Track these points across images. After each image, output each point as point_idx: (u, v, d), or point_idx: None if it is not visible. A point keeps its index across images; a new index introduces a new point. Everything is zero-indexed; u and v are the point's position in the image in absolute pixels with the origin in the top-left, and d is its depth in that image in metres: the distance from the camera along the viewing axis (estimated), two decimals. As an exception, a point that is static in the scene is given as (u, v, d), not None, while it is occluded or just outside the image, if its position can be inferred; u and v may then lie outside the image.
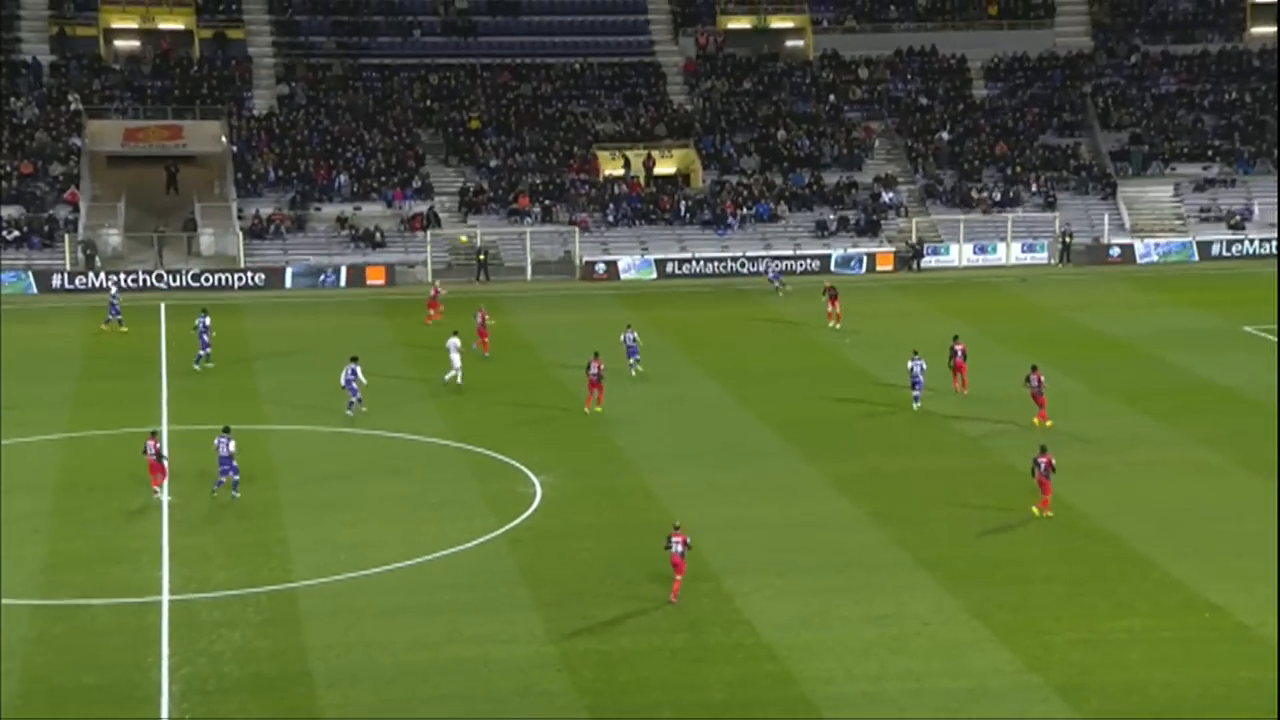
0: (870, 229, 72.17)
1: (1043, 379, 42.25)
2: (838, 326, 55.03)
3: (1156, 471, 36.75)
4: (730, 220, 71.40)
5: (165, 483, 35.91)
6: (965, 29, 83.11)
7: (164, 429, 41.14)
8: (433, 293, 56.77)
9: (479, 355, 49.73)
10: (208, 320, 49.52)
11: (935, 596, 30.02)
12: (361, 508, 35.38)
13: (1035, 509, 34.61)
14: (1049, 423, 41.91)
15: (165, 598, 29.80)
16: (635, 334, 48.14)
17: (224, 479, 35.92)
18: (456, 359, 46.20)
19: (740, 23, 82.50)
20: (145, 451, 35.88)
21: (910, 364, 44.03)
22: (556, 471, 38.01)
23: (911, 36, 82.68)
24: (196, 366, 48.62)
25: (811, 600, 29.85)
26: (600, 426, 42.41)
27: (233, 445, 35.85)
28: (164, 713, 25.15)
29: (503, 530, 33.79)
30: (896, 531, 33.81)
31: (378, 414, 43.17)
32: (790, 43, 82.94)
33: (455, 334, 47.38)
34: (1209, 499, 35.99)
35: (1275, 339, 52.05)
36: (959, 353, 45.55)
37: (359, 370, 42.99)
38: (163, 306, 58.80)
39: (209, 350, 48.81)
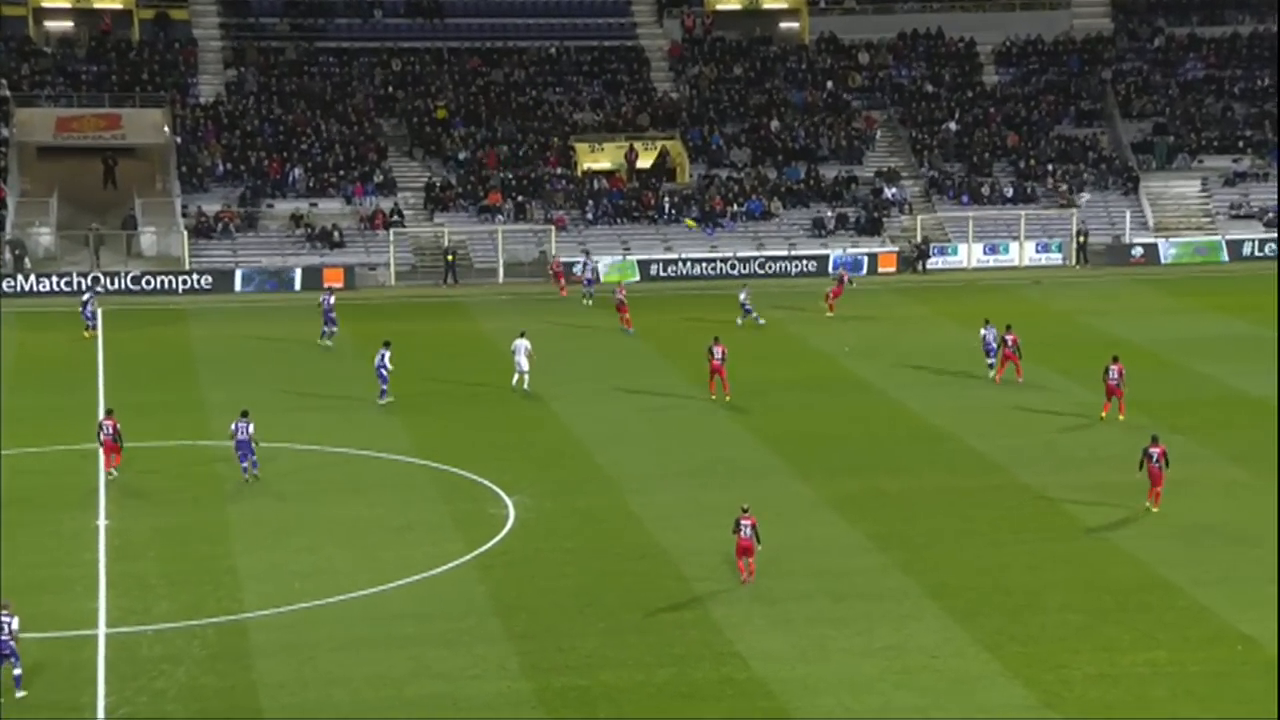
0: (872, 227, 72.40)
1: (1123, 371, 43.52)
2: (830, 314, 57.72)
3: (1182, 490, 36.90)
4: (722, 219, 71.61)
5: (118, 464, 38.00)
6: (975, 10, 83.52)
7: (100, 446, 41.02)
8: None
9: (622, 332, 55.14)
10: (332, 299, 54.72)
11: (942, 627, 30.10)
12: (318, 531, 35.36)
13: (1148, 504, 35.75)
14: (1122, 416, 43.22)
15: (101, 631, 29.75)
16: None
17: (245, 464, 38.22)
18: (525, 362, 46.61)
19: (730, 3, 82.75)
20: (101, 432, 37.55)
21: (982, 332, 48.65)
22: (531, 491, 38.05)
23: (916, 18, 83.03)
24: (325, 341, 53.63)
25: (808, 631, 29.92)
26: (577, 442, 42.44)
27: (252, 428, 38.32)
28: (101, 757, 25.13)
29: (472, 555, 33.79)
30: (900, 556, 33.90)
31: (336, 429, 43.13)
32: (784, 25, 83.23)
33: (523, 334, 47.51)
34: (1239, 520, 36.14)
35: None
36: (1010, 343, 48.04)
37: (388, 356, 45.48)
38: (99, 313, 58.58)
39: (334, 329, 53.88)
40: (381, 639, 29.47)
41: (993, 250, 71.77)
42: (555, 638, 29.52)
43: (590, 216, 71.51)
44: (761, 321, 56.99)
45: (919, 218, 72.72)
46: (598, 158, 74.62)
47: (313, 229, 68.57)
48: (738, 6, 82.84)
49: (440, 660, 28.55)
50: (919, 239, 71.36)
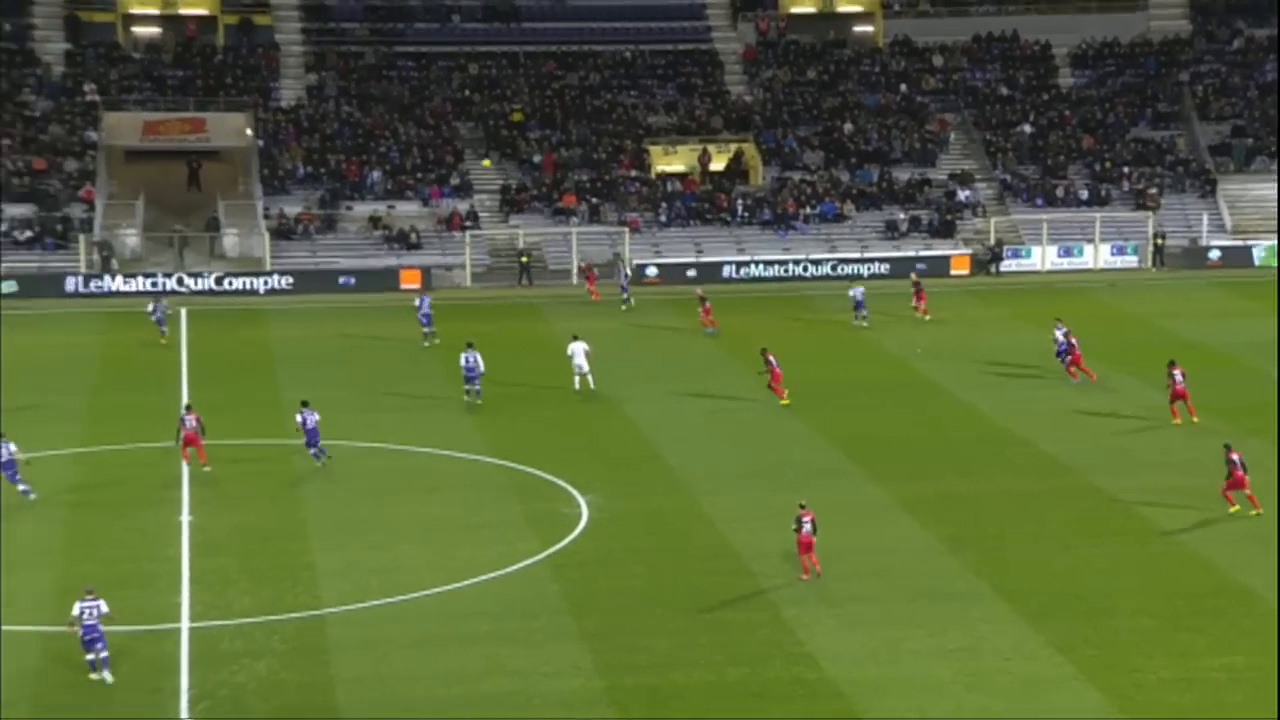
0: (945, 230, 71.92)
1: (1184, 373, 43.30)
2: (927, 318, 57.63)
3: (1257, 496, 36.36)
4: (795, 222, 71.45)
5: (203, 460, 38.97)
6: (1050, 13, 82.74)
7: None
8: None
9: (707, 334, 55.22)
10: (428, 302, 55.47)
11: (1015, 629, 29.85)
12: (394, 529, 35.59)
13: (1249, 508, 35.46)
14: (1195, 419, 42.85)
15: (185, 625, 30.10)
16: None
17: (314, 450, 39.36)
18: (585, 363, 46.95)
19: (805, 6, 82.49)
20: (183, 427, 38.56)
21: (1055, 332, 48.67)
22: (603, 491, 38.10)
23: (991, 21, 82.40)
24: (425, 344, 53.84)
25: (879, 633, 29.77)
26: (650, 444, 42.46)
27: (316, 416, 39.45)
28: (183, 748, 25.46)
29: (545, 554, 33.89)
30: (972, 559, 33.65)
31: (412, 428, 43.39)
32: (858, 28, 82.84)
33: (576, 338, 47.79)
34: (1316, 525, 35.56)
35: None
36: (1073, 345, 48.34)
37: (479, 357, 45.82)
38: (184, 312, 59.34)
39: (432, 328, 54.40)
40: (456, 636, 29.62)
41: (1067, 253, 71.08)
42: (627, 637, 29.55)
43: (663, 219, 71.51)
44: (864, 324, 56.83)
45: (992, 220, 72.13)
46: (671, 160, 74.64)
47: (391, 231, 69.06)
48: (812, 10, 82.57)
49: (514, 658, 28.65)
50: (993, 241, 70.79)
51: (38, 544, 34.46)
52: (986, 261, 69.92)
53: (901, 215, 72.41)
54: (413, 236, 68.74)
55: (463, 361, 46.17)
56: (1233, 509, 35.77)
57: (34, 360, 50.36)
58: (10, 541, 34.58)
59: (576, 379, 47.21)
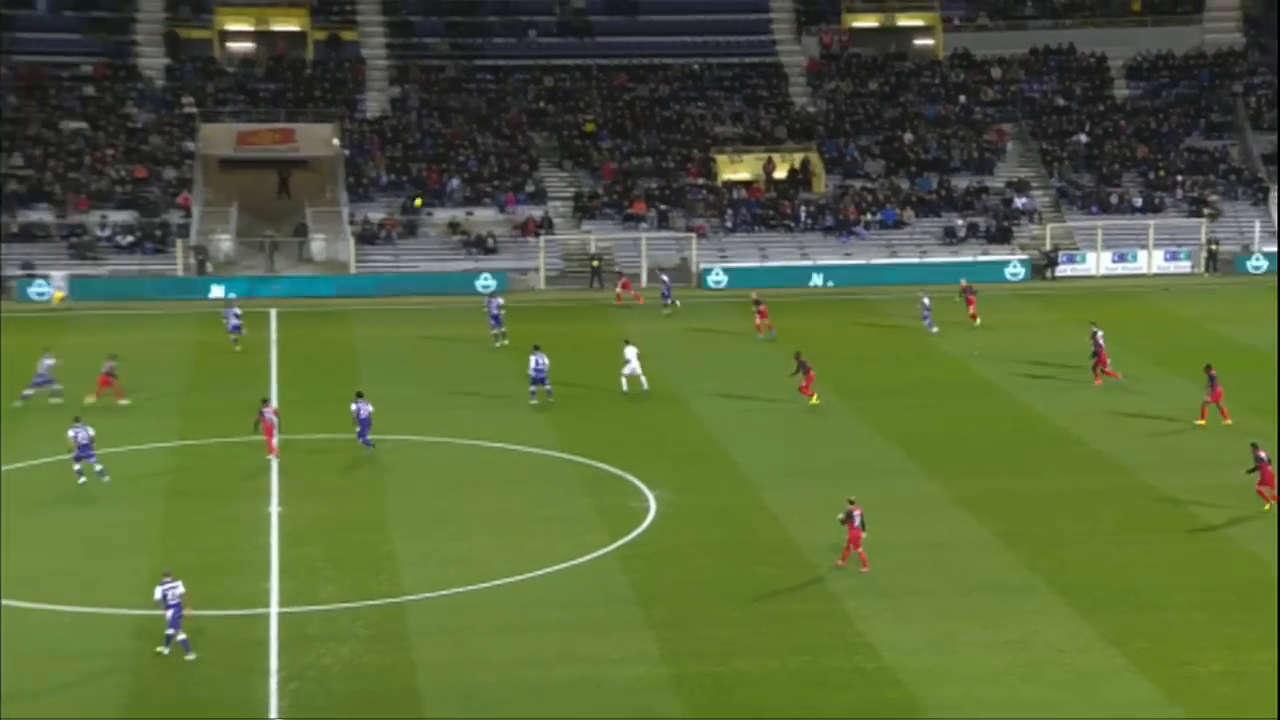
0: (1002, 236, 71.37)
1: (1215, 376, 42.95)
2: (977, 323, 56.61)
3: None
4: (856, 228, 71.16)
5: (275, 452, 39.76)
6: (1106, 26, 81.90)
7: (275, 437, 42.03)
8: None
9: (761, 339, 54.17)
10: (499, 302, 55.36)
11: (1068, 622, 29.62)
12: (470, 521, 35.80)
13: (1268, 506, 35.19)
14: (1228, 421, 42.40)
15: (274, 610, 30.42)
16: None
17: (364, 439, 40.18)
18: (638, 365, 46.89)
19: (867, 21, 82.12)
20: (262, 418, 39.23)
21: (1093, 330, 48.30)
22: (671, 486, 38.14)
23: (1048, 34, 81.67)
24: (497, 344, 53.73)
25: (936, 624, 29.62)
26: (716, 441, 42.45)
27: (370, 407, 40.48)
28: (271, 728, 25.72)
29: (615, 546, 33.98)
30: (1027, 554, 33.41)
31: (487, 424, 43.59)
32: (919, 41, 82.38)
33: (627, 342, 47.83)
34: (1365, 524, 35.02)
35: None
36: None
37: (546, 359, 45.85)
38: (273, 314, 59.93)
39: (503, 329, 54.25)
40: (529, 624, 29.76)
41: (1121, 258, 70.31)
42: (693, 626, 29.58)
43: (729, 224, 71.45)
44: (933, 330, 55.88)
45: (1048, 226, 71.49)
46: (737, 169, 74.54)
47: (469, 236, 69.41)
48: (874, 24, 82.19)
49: (584, 645, 28.75)
50: (1048, 247, 70.17)
51: (136, 531, 34.95)
52: (1042, 266, 69.30)
53: (960, 221, 71.91)
54: (489, 241, 69.05)
55: (532, 364, 46.19)
56: (1267, 506, 35.29)
57: (135, 357, 50.97)
58: (111, 528, 35.12)
59: (624, 380, 46.90)
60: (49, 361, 46.17)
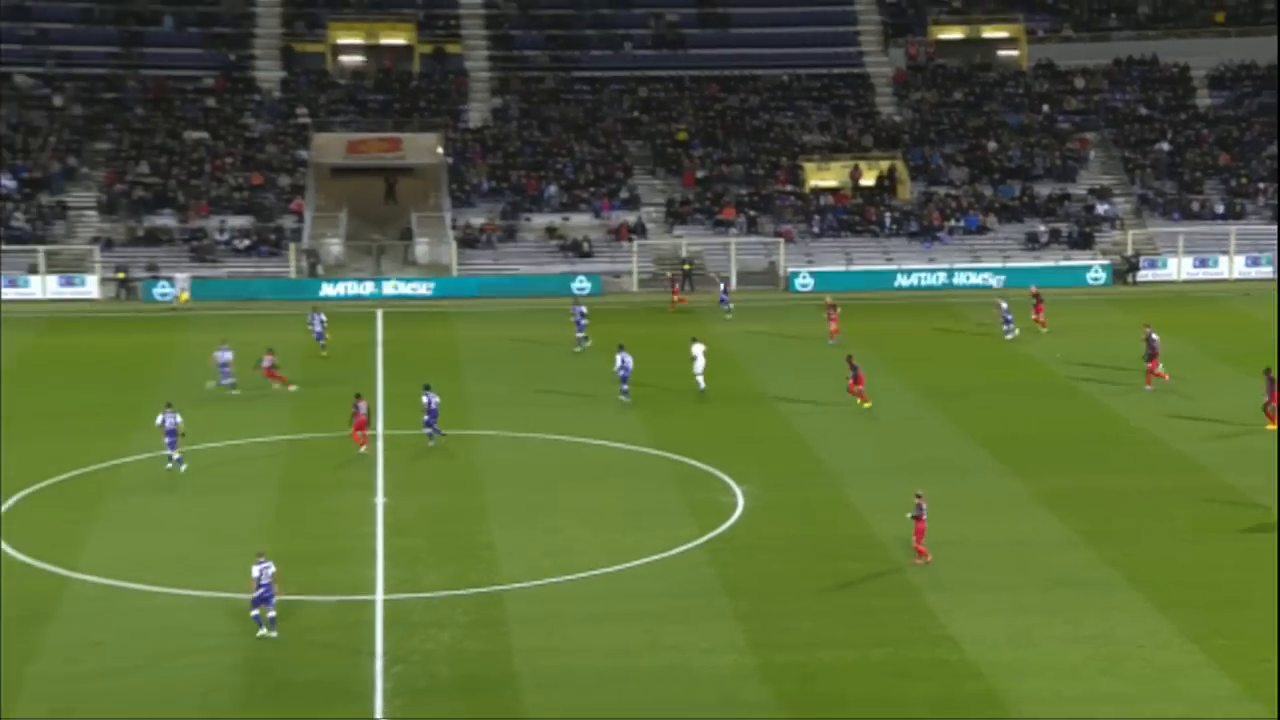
0: (1084, 241, 70.36)
1: (1274, 378, 42.13)
2: (1044, 330, 55.13)
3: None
4: (940, 233, 70.56)
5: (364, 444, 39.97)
6: (1189, 36, 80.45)
7: (379, 433, 42.48)
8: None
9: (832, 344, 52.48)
10: (584, 309, 54.41)
11: (1148, 619, 29.14)
12: (565, 514, 35.91)
13: None
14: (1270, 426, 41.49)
15: (379, 597, 30.71)
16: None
17: (430, 429, 40.64)
18: (702, 364, 46.55)
19: (952, 33, 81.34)
20: (357, 412, 39.49)
21: (1148, 333, 47.33)
22: (758, 482, 38.02)
23: (1131, 45, 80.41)
24: (578, 348, 52.92)
25: (1017, 619, 29.27)
26: (802, 438, 42.27)
27: (437, 399, 40.99)
28: (378, 709, 25.93)
29: (703, 539, 33.93)
30: (1107, 551, 32.92)
31: (582, 421, 43.72)
32: (1003, 53, 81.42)
33: (695, 340, 47.63)
34: None
35: None
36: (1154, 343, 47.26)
37: (630, 359, 45.59)
38: (379, 314, 60.53)
39: (584, 334, 53.46)
40: (621, 613, 29.80)
41: (1202, 263, 69.03)
42: (778, 617, 29.47)
43: (816, 230, 71.13)
44: (1011, 336, 54.58)
45: (1130, 232, 70.36)
46: (824, 176, 74.17)
47: (565, 240, 69.69)
48: (959, 36, 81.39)
49: (673, 634, 28.74)
50: (1130, 252, 69.05)
51: (251, 520, 35.45)
52: (1124, 271, 68.22)
53: (1042, 228, 71.02)
54: (585, 246, 69.29)
55: (618, 363, 46.08)
56: None
57: (251, 356, 51.71)
58: (228, 516, 35.67)
59: (700, 379, 46.56)
60: (227, 354, 46.67)
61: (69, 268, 65.95)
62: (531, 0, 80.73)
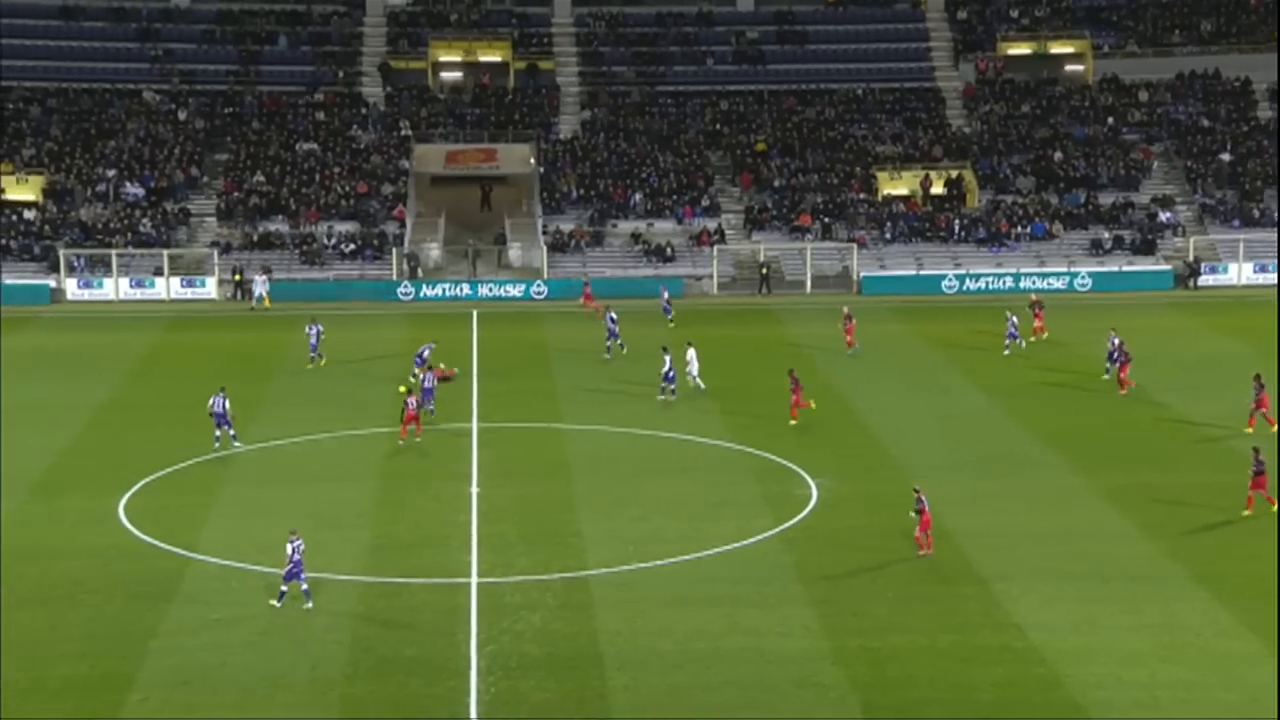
0: (1146, 248, 69.22)
1: (1263, 384, 41.25)
2: (1037, 339, 53.27)
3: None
4: (1007, 240, 69.81)
5: (419, 434, 40.30)
6: (1251, 51, 78.78)
7: (473, 426, 42.80)
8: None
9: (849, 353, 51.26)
10: (614, 315, 52.33)
11: (1207, 609, 28.64)
12: (648, 504, 35.95)
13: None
14: (1274, 427, 40.60)
15: (474, 580, 30.93)
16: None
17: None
18: (695, 365, 46.02)
19: (1020, 48, 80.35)
20: (408, 407, 39.69)
21: (1110, 340, 46.53)
22: (832, 475, 37.84)
23: (1194, 60, 78.93)
24: (608, 356, 51.27)
25: (1080, 607, 28.89)
26: (874, 434, 41.99)
27: (430, 352, 44.10)
28: (472, 684, 26.13)
29: (779, 529, 33.82)
30: (1167, 544, 32.38)
31: (665, 416, 43.74)
32: (1070, 67, 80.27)
33: (689, 344, 47.23)
34: None
35: None
36: (1118, 347, 46.34)
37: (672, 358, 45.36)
38: (474, 314, 60.95)
39: (618, 340, 51.74)
40: (701, 598, 29.78)
41: (1262, 269, 67.61)
42: (850, 604, 29.32)
43: (888, 236, 70.62)
44: (1008, 351, 52.20)
45: (1191, 239, 69.11)
46: (896, 185, 73.61)
47: (649, 245, 69.75)
48: (1027, 51, 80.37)
49: (750, 619, 28.68)
50: (1191, 258, 67.84)
51: (354, 507, 35.86)
52: (1185, 276, 67.04)
53: (1106, 234, 69.99)
54: (668, 250, 69.31)
55: (667, 364, 45.29)
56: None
57: (354, 355, 52.35)
58: (333, 503, 36.10)
59: (693, 380, 45.81)
60: (431, 346, 46.97)
61: (190, 270, 67.10)
62: (620, 20, 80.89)
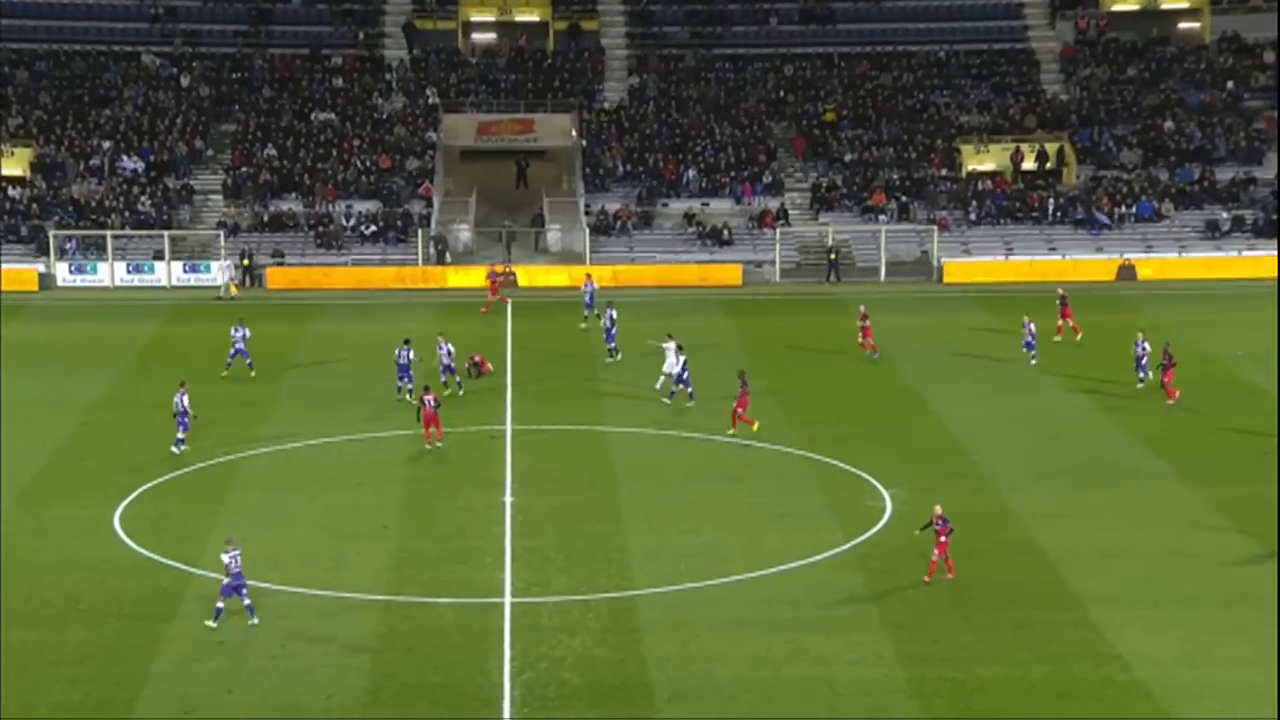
0: (1270, 230, 68.45)
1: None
2: (1064, 339, 52.58)
3: None
4: (1104, 218, 69.23)
5: (440, 437, 40.39)
6: (1394, 3, 77.77)
7: (507, 429, 42.95)
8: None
9: (868, 356, 50.56)
10: (614, 314, 51.48)
11: (1337, 642, 28.27)
12: (702, 515, 35.95)
13: None
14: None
15: (507, 600, 31.03)
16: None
17: (402, 384, 44.46)
18: (672, 364, 45.58)
19: (1127, 4, 79.72)
20: (424, 406, 40.01)
21: (1138, 343, 46.20)
22: (908, 485, 37.69)
23: (1326, 15, 77.94)
24: (609, 360, 50.71)
25: (1193, 636, 28.64)
26: (955, 440, 41.79)
27: (450, 347, 45.33)
28: (506, 716, 26.21)
29: (850, 545, 33.73)
30: (1292, 567, 32.00)
31: (719, 419, 43.67)
32: (1184, 25, 79.55)
33: (670, 336, 47.05)
34: None
35: None
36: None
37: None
38: (509, 305, 61.10)
39: (614, 344, 50.90)
40: (761, 621, 29.76)
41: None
42: (930, 629, 29.19)
43: (973, 217, 70.25)
44: (1035, 363, 50.37)
45: (1321, 220, 68.38)
46: (983, 159, 73.21)
47: (704, 227, 69.72)
48: (1135, 7, 79.70)
49: (817, 644, 28.62)
50: (1320, 241, 67.11)
51: (376, 518, 36.06)
52: (1312, 262, 66.26)
53: (1224, 215, 69.29)
54: (725, 233, 69.25)
55: (681, 364, 44.98)
56: None
57: (376, 348, 52.61)
58: (352, 513, 36.33)
59: (660, 379, 45.70)
60: (448, 346, 47.02)
61: (194, 254, 67.67)
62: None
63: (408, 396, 44.39)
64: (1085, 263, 67.06)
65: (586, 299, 55.52)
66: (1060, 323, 52.98)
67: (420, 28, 78.92)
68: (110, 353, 53.16)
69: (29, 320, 59.75)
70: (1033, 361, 49.51)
